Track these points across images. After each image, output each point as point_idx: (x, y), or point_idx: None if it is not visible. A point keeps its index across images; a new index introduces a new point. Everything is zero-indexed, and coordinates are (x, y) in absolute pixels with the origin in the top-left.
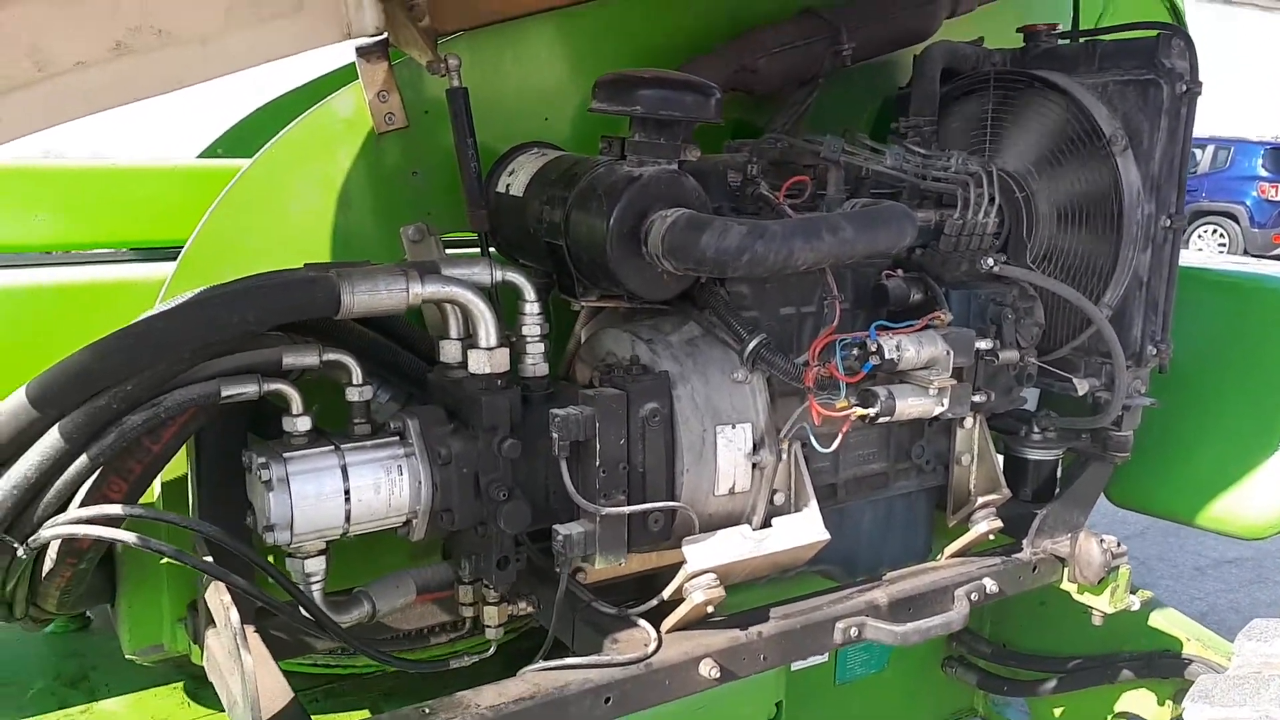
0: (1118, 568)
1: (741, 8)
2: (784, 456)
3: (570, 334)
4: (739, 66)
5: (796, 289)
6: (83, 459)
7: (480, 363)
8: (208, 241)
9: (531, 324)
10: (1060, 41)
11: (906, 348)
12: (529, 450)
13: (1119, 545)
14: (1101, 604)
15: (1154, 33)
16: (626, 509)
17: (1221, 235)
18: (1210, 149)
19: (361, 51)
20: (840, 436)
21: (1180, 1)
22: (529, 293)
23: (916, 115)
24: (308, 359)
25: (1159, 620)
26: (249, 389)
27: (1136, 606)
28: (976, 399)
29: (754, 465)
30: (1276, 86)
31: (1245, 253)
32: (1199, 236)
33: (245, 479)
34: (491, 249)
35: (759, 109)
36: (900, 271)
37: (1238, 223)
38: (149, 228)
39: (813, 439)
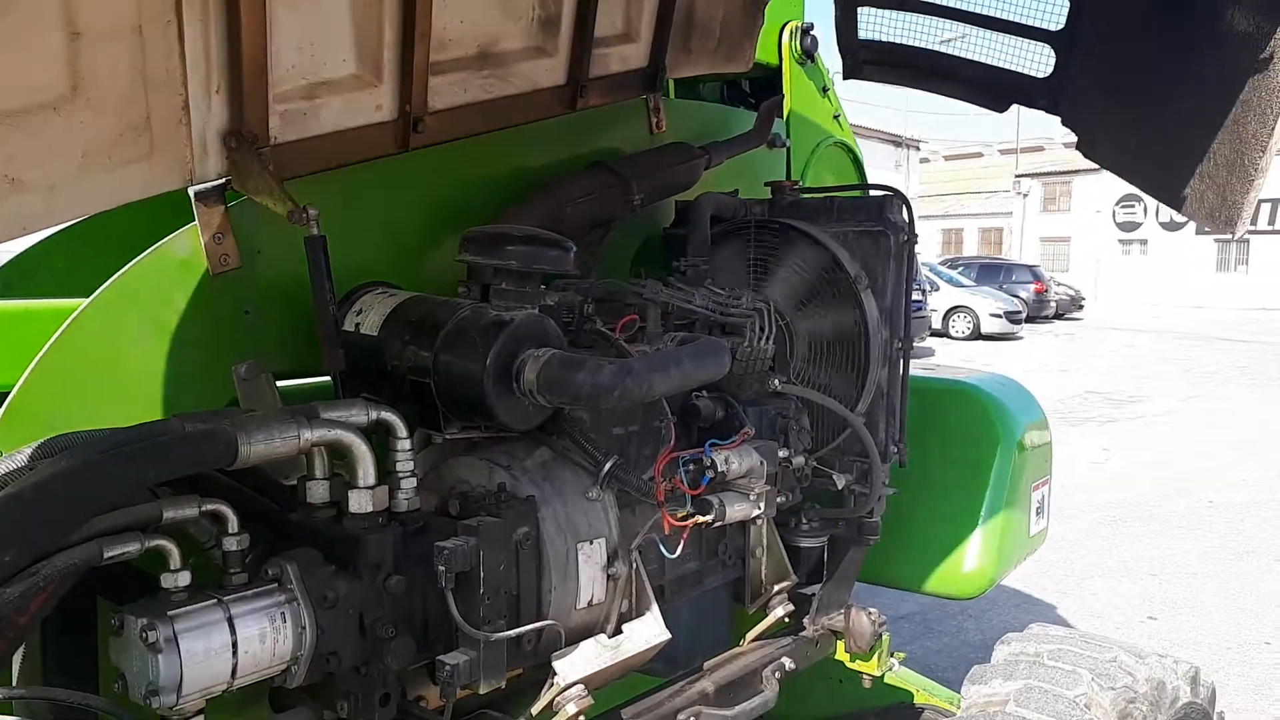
0: (881, 635)
1: (536, 162)
2: (631, 566)
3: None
4: (549, 214)
5: (626, 411)
6: None
7: (362, 502)
8: (36, 387)
9: (405, 460)
10: (802, 195)
11: (733, 461)
12: (409, 584)
13: (880, 616)
14: (870, 668)
15: (860, 192)
16: (510, 633)
17: None
18: None
19: (200, 196)
20: (682, 542)
21: (862, 156)
22: (401, 430)
23: (695, 255)
24: (187, 511)
25: (893, 677)
26: (131, 547)
27: (897, 669)
28: (779, 500)
29: (609, 577)
30: None
31: None
32: None
33: (107, 644)
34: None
35: None
36: (705, 393)
37: None
38: None
39: (661, 547)
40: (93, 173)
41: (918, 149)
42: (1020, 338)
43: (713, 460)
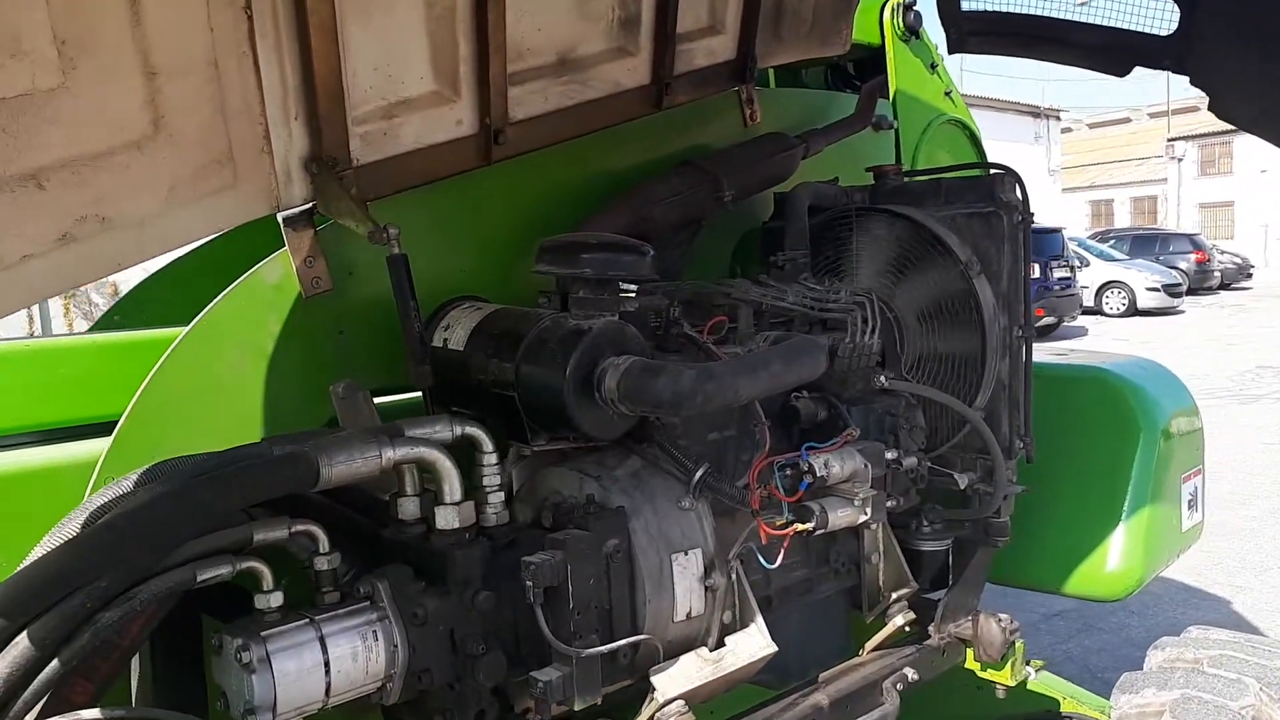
0: (1014, 642)
1: (624, 165)
2: (732, 574)
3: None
4: (637, 216)
5: (719, 415)
6: (53, 664)
7: (449, 518)
8: (142, 416)
9: (491, 474)
10: (905, 179)
11: (833, 465)
12: (499, 599)
13: (1013, 622)
14: (1004, 678)
15: (979, 172)
16: (603, 649)
17: None
18: None
19: (288, 221)
20: (783, 552)
21: (979, 132)
22: (487, 444)
23: (792, 249)
24: (277, 533)
25: (1036, 683)
26: (223, 570)
27: (1034, 677)
28: (890, 504)
29: (707, 588)
30: None
31: None
32: None
33: (210, 662)
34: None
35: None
36: (806, 393)
37: None
38: (59, 407)
39: (760, 557)
40: (180, 206)
41: (1058, 119)
42: (1181, 311)
43: (810, 465)
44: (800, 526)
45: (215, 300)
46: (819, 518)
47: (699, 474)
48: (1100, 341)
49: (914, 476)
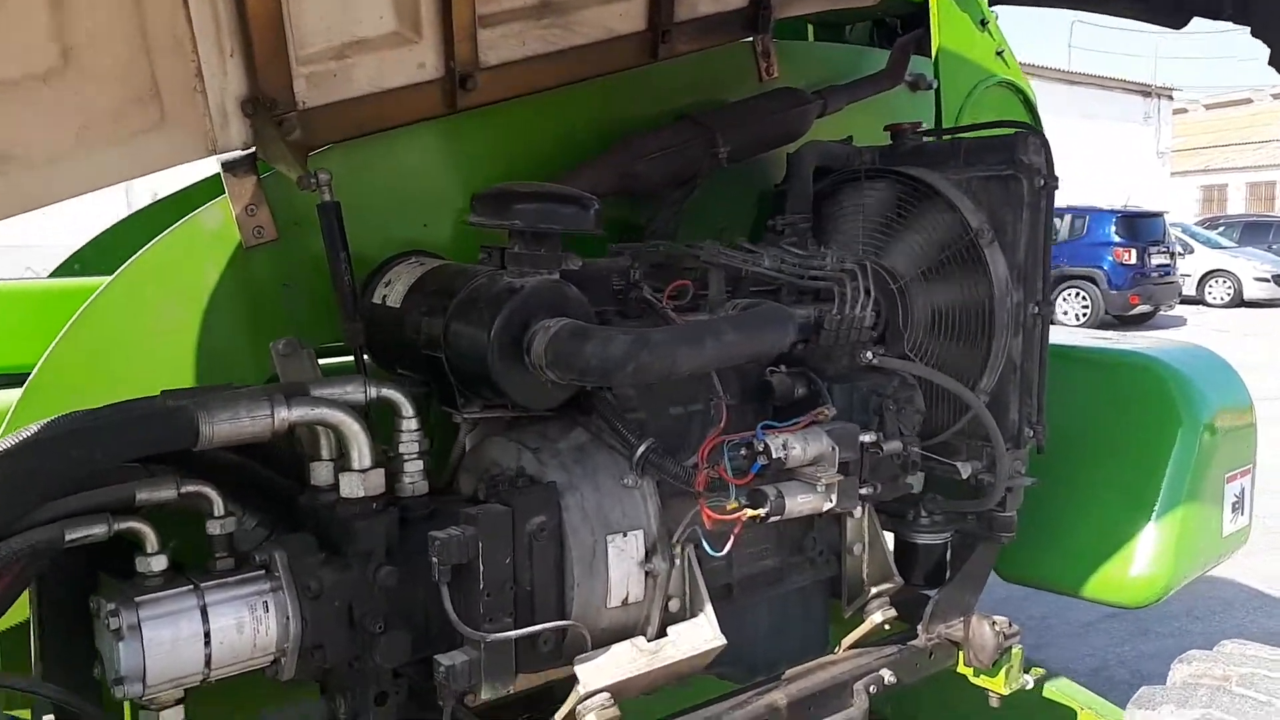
0: (1010, 648)
1: (615, 116)
2: (677, 561)
3: (455, 443)
4: (622, 172)
5: (684, 388)
6: None
7: (353, 486)
8: (57, 367)
9: (409, 441)
10: (925, 139)
11: (793, 446)
12: (408, 575)
13: (1010, 626)
14: (997, 685)
15: (1011, 131)
16: (513, 634)
17: (1084, 298)
18: (1068, 218)
19: (228, 166)
20: (732, 538)
21: (1034, 97)
22: (406, 408)
23: (792, 213)
24: (164, 493)
25: (1053, 691)
26: (97, 529)
27: (1030, 685)
28: (863, 491)
29: (647, 573)
30: (1120, 158)
31: (1106, 313)
32: (1063, 299)
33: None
34: (369, 362)
35: (639, 208)
36: (783, 367)
37: (1097, 285)
38: None
39: (705, 543)
40: (99, 145)
41: (1170, 98)
42: None
43: (766, 445)
44: (751, 512)
45: (145, 247)
46: (774, 503)
47: (641, 450)
48: (1198, 332)
49: (901, 463)
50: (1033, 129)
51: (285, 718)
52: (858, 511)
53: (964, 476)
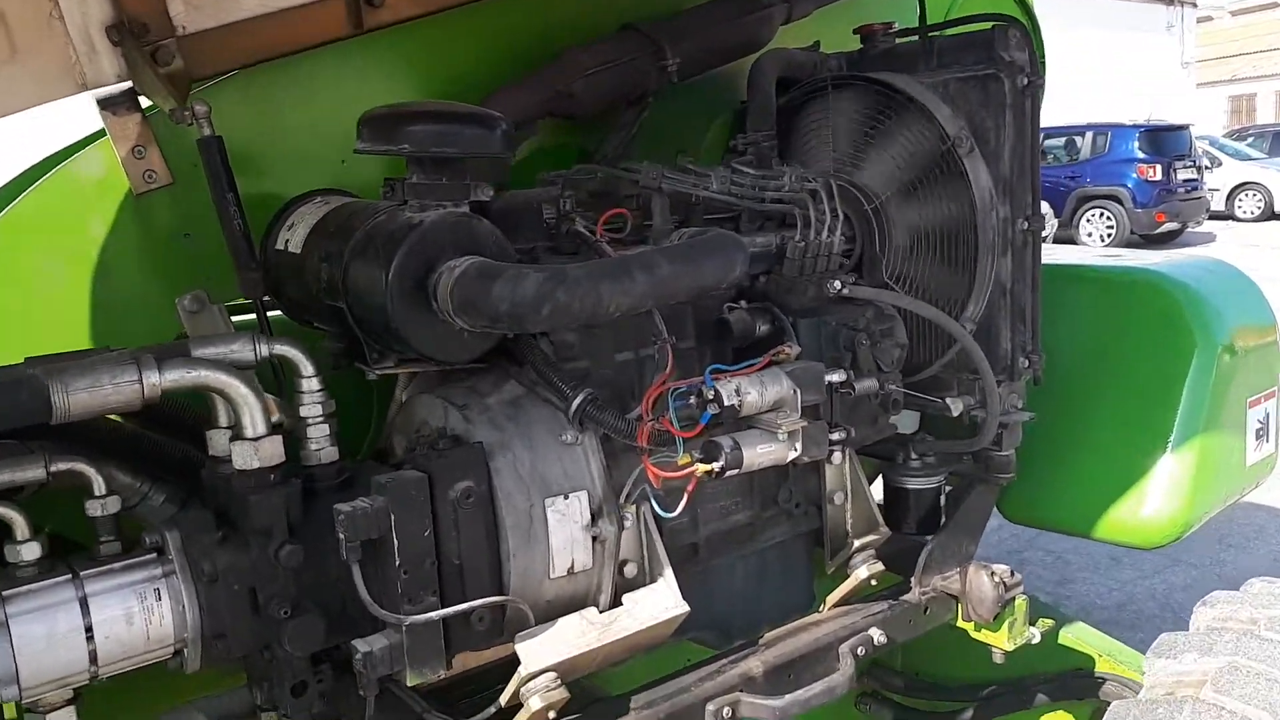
0: (1012, 600)
1: (552, 31)
2: (628, 523)
3: (392, 400)
4: (554, 92)
5: (633, 331)
6: None
7: (246, 456)
8: None
9: (311, 403)
10: (899, 40)
11: (747, 391)
12: (317, 553)
13: (1012, 575)
14: (998, 641)
15: (989, 26)
16: (437, 614)
17: (1108, 218)
18: (1089, 135)
19: (105, 103)
20: (686, 497)
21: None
22: (304, 366)
23: (754, 130)
24: (29, 473)
25: (1069, 637)
26: None
27: (1037, 639)
28: (835, 437)
29: (594, 539)
30: (1142, 71)
31: (1131, 233)
32: (1086, 220)
33: None
34: (274, 315)
35: (588, 133)
36: (744, 303)
37: (1121, 205)
38: None
39: (654, 503)
40: None
41: (1194, 5)
42: None
43: (715, 391)
44: (703, 468)
45: (14, 202)
46: (729, 455)
47: (577, 401)
48: (1227, 248)
49: (880, 402)
50: (1012, 20)
51: (219, 704)
52: (837, 457)
53: (955, 414)
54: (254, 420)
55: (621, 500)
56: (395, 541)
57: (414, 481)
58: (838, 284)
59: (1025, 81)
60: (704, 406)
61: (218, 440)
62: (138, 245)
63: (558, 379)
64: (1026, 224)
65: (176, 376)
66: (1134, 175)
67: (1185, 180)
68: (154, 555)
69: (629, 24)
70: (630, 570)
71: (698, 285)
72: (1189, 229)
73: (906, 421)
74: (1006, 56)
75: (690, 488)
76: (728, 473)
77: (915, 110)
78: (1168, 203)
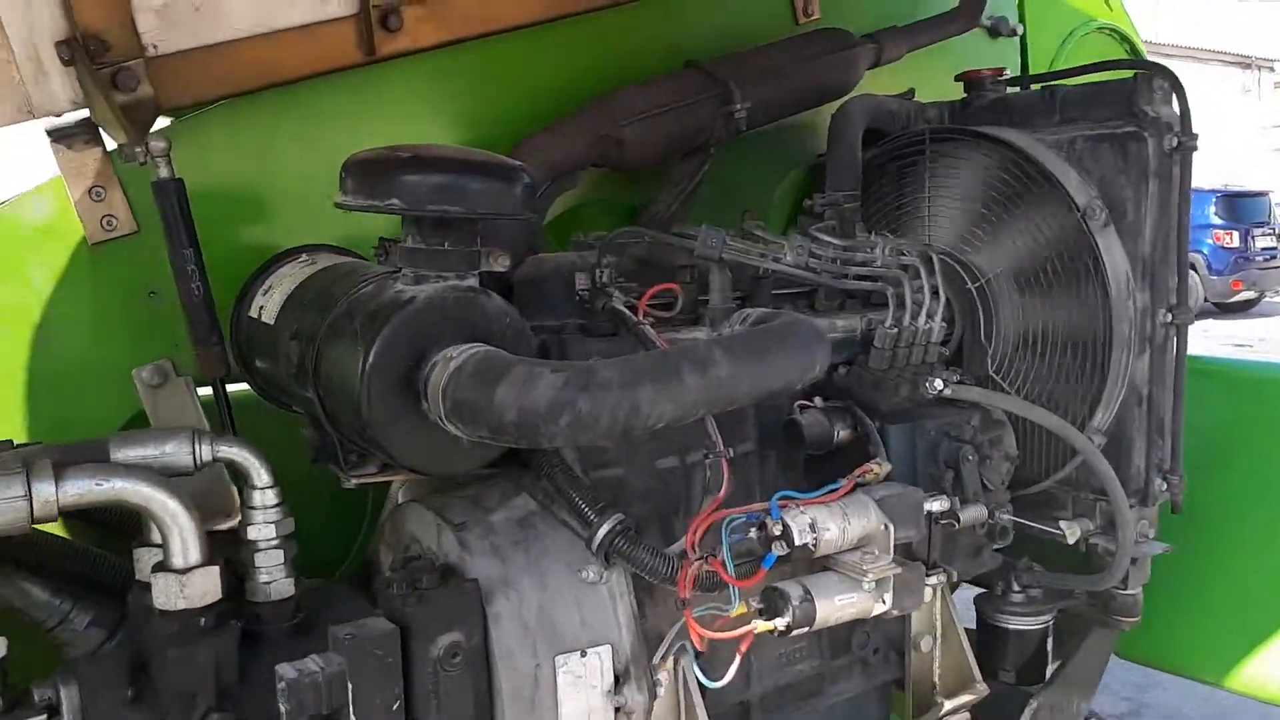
0: None
1: (602, 67)
2: (661, 688)
3: (386, 500)
4: (600, 137)
5: (680, 429)
6: None
7: (169, 593)
8: None
9: (263, 521)
10: (1009, 90)
11: (825, 526)
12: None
13: None
14: None
15: (1129, 73)
16: None
17: None
18: None
19: (60, 135)
20: (738, 660)
21: (1143, 50)
22: (258, 474)
23: (834, 189)
24: None
25: None
26: None
27: None
28: (932, 580)
29: (617, 709)
30: (1218, 135)
31: (1205, 300)
32: None
33: None
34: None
35: (639, 187)
36: (818, 400)
37: (1196, 271)
38: None
39: (698, 672)
40: None
41: (1272, 69)
42: None
43: (784, 525)
44: (764, 626)
45: None
46: (798, 611)
47: (604, 530)
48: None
49: (988, 531)
50: (1159, 67)
51: None
52: (926, 594)
53: (1070, 542)
54: (184, 546)
55: (656, 660)
56: (353, 715)
57: (381, 637)
58: (938, 383)
59: (1175, 143)
60: (768, 545)
61: (145, 561)
62: (91, 304)
63: (579, 498)
64: (1170, 316)
65: (81, 490)
66: (1210, 241)
67: (1264, 248)
68: (43, 718)
69: (693, 61)
70: None
71: (765, 389)
72: (1266, 298)
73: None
74: (1151, 112)
75: (743, 648)
76: (793, 632)
77: (1035, 173)
78: (1244, 270)
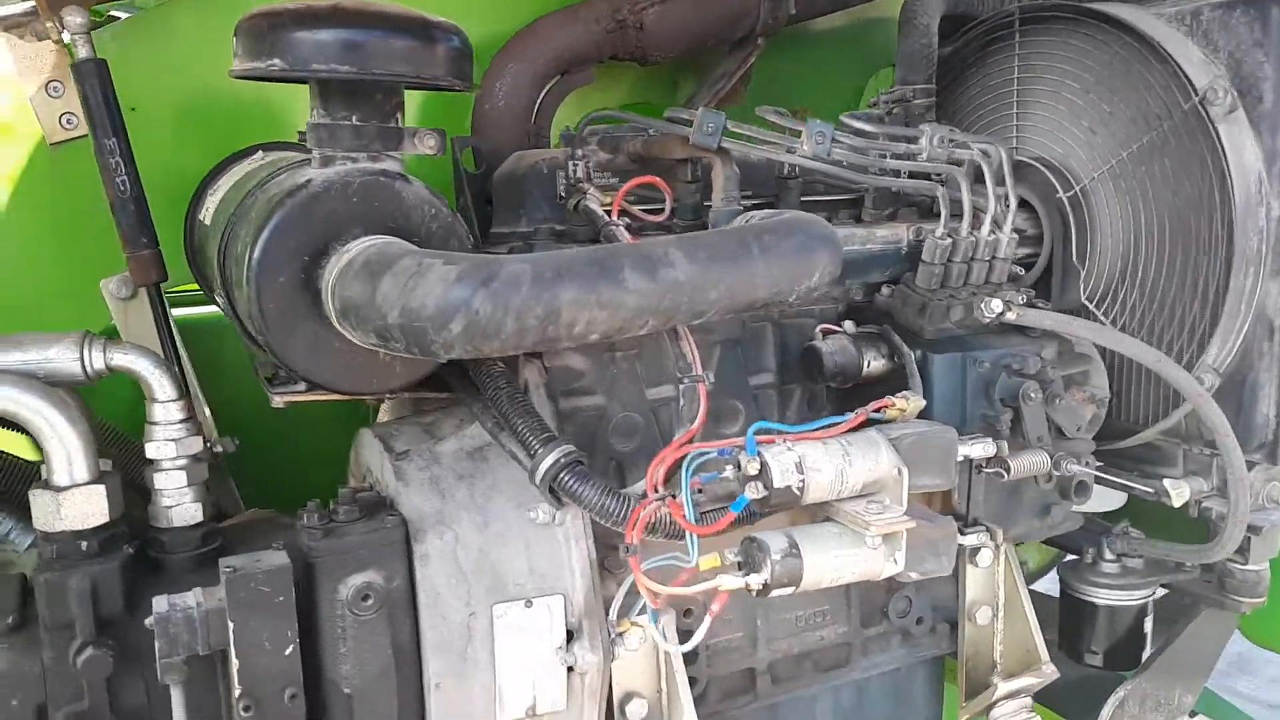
0: None
1: None
2: (624, 649)
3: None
4: (616, 23)
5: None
6: None
7: (46, 513)
8: None
9: (164, 439)
10: None
11: (815, 467)
12: (142, 662)
13: None
14: None
15: None
16: None
17: None
18: None
19: (7, 24)
20: (707, 621)
21: None
22: (158, 387)
23: (903, 83)
24: None
25: None
26: None
27: None
28: (971, 540)
29: (569, 668)
30: None
31: None
32: None
33: None
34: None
35: (668, 84)
36: (849, 324)
37: None
38: None
39: (658, 628)
40: None
41: None
42: None
43: (763, 463)
44: (730, 583)
45: None
46: (777, 566)
47: (549, 460)
48: None
49: (1059, 485)
50: None
51: None
52: (985, 557)
53: (1176, 503)
54: (67, 462)
55: (612, 615)
56: (235, 660)
57: (269, 572)
58: (997, 304)
59: None
60: (743, 485)
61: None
62: (52, 209)
63: (522, 425)
64: None
65: None
66: None
67: None
68: None
69: None
70: (636, 711)
71: (744, 299)
72: None
73: (1103, 499)
74: None
75: (715, 608)
76: (772, 592)
77: (1145, 51)
78: None
